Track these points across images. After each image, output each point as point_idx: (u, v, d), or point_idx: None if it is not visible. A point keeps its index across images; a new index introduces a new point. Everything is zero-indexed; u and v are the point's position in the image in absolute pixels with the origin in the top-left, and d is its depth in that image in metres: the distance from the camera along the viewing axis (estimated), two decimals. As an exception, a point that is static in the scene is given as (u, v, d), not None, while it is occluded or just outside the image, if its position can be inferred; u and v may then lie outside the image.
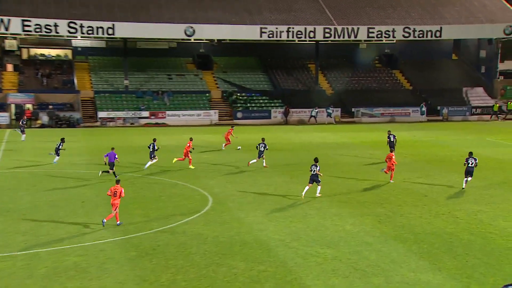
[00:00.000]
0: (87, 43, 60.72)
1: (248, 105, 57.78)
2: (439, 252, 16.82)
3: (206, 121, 55.22)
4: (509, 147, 37.84)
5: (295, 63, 65.46)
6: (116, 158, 27.41)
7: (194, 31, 54.27)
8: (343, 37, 56.90)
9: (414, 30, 57.57)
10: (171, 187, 25.64)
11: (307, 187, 23.47)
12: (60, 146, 30.98)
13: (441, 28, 57.97)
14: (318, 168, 23.30)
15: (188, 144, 30.43)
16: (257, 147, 30.55)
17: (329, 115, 56.36)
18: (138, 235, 18.39)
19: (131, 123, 53.80)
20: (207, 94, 58.80)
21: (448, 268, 15.62)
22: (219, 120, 55.66)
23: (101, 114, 53.74)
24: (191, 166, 29.94)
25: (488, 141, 41.34)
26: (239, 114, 56.23)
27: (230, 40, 58.80)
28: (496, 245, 17.35)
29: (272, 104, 58.52)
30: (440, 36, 58.47)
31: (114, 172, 27.04)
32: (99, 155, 33.85)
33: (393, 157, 26.89)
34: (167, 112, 55.07)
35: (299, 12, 58.97)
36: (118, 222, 19.35)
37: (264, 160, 30.29)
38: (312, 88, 61.42)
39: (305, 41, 59.38)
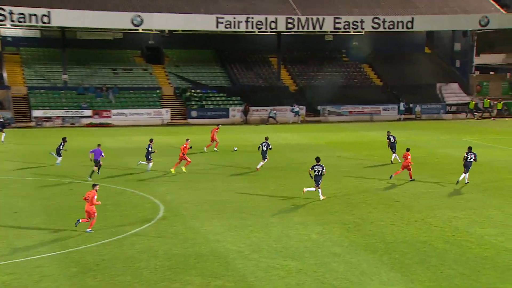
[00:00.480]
0: (18, 32, 59.22)
1: (204, 103, 57.61)
2: (412, 263, 17.17)
3: (156, 121, 54.76)
4: (486, 148, 38.94)
5: (255, 57, 65.57)
6: (102, 155, 28.59)
7: (142, 20, 53.71)
8: (307, 28, 57.37)
9: (384, 21, 58.54)
10: (117, 194, 25.32)
11: (312, 189, 24.33)
12: (62, 146, 31.77)
13: (412, 18, 59.14)
14: (323, 168, 24.13)
15: (184, 145, 30.52)
16: (259, 147, 31.32)
17: (296, 113, 56.74)
18: (80, 249, 18.08)
19: (71, 123, 52.85)
20: (158, 91, 58.29)
21: (422, 280, 15.96)
22: (172, 119, 55.29)
23: (36, 113, 52.54)
24: (172, 170, 29.98)
25: (464, 141, 42.43)
26: (193, 113, 55.99)
27: (182, 31, 58.40)
28: (472, 254, 17.83)
29: (231, 102, 58.52)
30: (411, 28, 59.63)
31: (98, 169, 28.65)
32: (34, 159, 33.10)
33: (409, 156, 28.16)
34: (113, 111, 54.33)
35: (259, 1, 59.19)
36: (88, 230, 19.73)
37: (262, 163, 30.85)
38: (274, 84, 61.72)
39: (266, 32, 59.56)
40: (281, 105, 57.61)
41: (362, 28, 59.21)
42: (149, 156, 30.40)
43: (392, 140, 33.53)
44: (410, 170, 28.22)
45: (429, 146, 39.71)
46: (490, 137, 44.31)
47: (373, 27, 58.91)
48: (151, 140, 31.10)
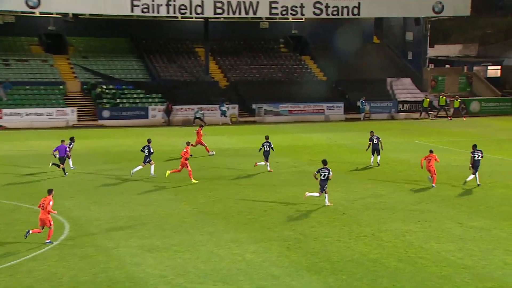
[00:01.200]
0: None
1: (118, 100, 56.88)
2: (361, 284, 17.49)
3: (60, 122, 53.61)
4: (441, 151, 40.19)
5: (178, 47, 65.32)
6: (68, 151, 31.23)
7: (39, 1, 52.45)
8: (239, 14, 57.63)
9: (327, 6, 59.53)
10: (10, 211, 24.68)
11: (315, 194, 25.71)
12: (71, 146, 33.31)
13: (359, 4, 60.43)
14: (329, 172, 25.48)
15: (185, 150, 30.52)
16: (260, 148, 33.51)
17: (223, 113, 56.81)
18: (-36, 280, 17.47)
19: (-49, 125, 51.12)
20: (61, 87, 57.14)
21: (373, 302, 16.31)
22: (79, 120, 54.28)
23: None
24: (194, 181, 29.99)
25: (417, 144, 43.68)
26: (105, 113, 55.15)
27: (90, 15, 57.49)
28: (427, 274, 18.33)
29: (150, 100, 58.06)
30: (358, 14, 60.91)
31: (63, 169, 31.10)
32: None
33: (436, 156, 29.74)
34: (4, 111, 52.87)
35: (183, -20, 59.08)
36: (47, 241, 20.48)
37: (268, 164, 33.03)
38: (201, 79, 61.64)
39: (191, 18, 59.44)
40: (209, 104, 57.60)
41: (302, 14, 60.02)
42: (149, 159, 31.20)
43: (375, 141, 34.77)
44: (434, 174, 29.58)
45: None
46: (446, 139, 45.81)
47: (314, 13, 59.81)
48: (149, 141, 31.66)
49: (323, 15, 60.10)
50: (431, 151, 30.36)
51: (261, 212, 25.00)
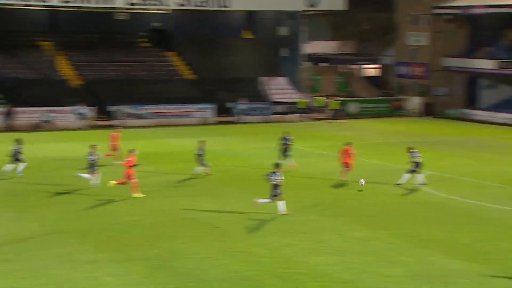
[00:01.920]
0: None
1: None
2: (236, 304, 17.69)
3: None
4: (319, 157, 41.40)
5: (20, 40, 63.40)
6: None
7: None
8: (90, 3, 56.78)
9: (193, -4, 60.04)
10: None
11: (267, 200, 26.57)
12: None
13: (229, -5, 61.30)
14: (280, 176, 26.29)
15: (129, 159, 29.77)
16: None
17: (83, 116, 55.78)
18: None
19: None
20: None
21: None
22: None
23: None
24: (139, 195, 29.13)
25: (295, 149, 44.62)
26: None
27: None
28: (306, 290, 18.86)
29: (-13, 101, 56.06)
30: (227, 6, 61.71)
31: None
32: None
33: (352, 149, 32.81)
34: None
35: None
36: None
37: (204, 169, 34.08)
38: (49, 78, 60.10)
39: (34, 6, 57.84)
40: (60, 105, 56.29)
41: (167, 5, 59.95)
42: (94, 168, 31.23)
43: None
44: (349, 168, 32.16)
45: (253, 157, 41.25)
46: (323, 144, 47.13)
47: (178, 4, 59.91)
48: (92, 147, 31.75)
49: (189, 7, 60.40)
50: (348, 144, 32.78)
51: (122, 228, 24.68)
